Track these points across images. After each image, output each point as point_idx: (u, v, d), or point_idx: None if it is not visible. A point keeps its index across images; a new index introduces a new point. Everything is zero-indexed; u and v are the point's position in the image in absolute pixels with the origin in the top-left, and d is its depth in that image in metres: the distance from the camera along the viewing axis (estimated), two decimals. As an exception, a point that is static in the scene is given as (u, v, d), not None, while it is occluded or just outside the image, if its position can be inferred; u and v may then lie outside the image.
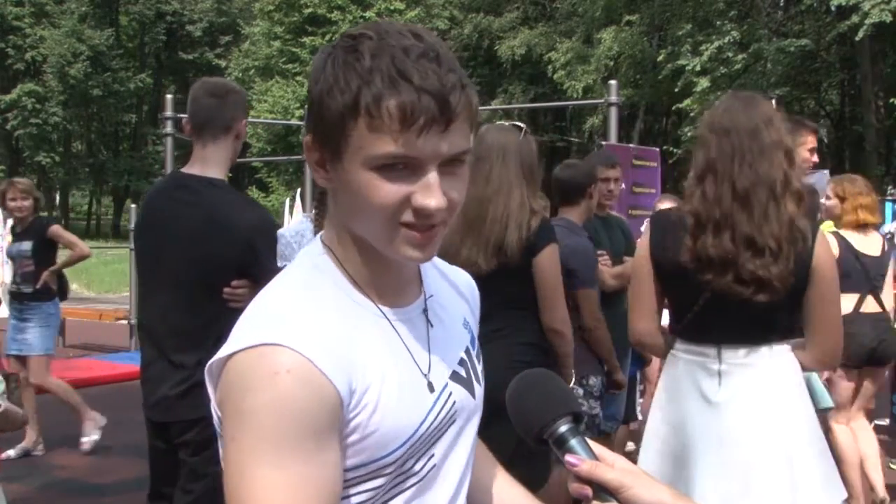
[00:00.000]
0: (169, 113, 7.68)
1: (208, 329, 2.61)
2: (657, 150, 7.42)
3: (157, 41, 41.39)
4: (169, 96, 8.11)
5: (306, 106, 1.03)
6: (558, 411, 0.94)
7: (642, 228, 4.48)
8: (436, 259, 1.20)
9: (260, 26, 30.44)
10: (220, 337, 3.21)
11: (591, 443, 0.93)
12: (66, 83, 35.38)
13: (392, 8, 28.35)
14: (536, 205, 2.93)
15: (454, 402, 1.08)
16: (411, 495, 1.05)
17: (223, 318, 2.72)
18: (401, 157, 0.93)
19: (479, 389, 1.16)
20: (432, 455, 1.06)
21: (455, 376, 1.11)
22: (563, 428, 0.93)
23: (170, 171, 7.77)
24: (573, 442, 0.92)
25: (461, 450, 1.12)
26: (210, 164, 2.68)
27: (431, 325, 1.11)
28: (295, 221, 2.84)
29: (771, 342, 2.26)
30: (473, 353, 1.18)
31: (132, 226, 7.02)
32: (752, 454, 2.21)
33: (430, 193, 0.94)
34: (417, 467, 1.04)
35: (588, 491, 0.90)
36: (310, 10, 28.09)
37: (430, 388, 1.05)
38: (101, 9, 39.24)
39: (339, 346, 0.95)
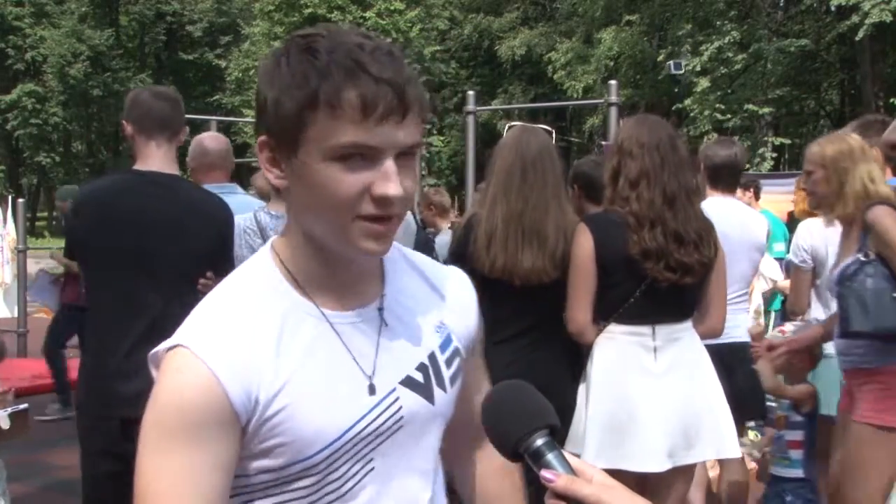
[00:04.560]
0: (169, 113, 7.67)
1: (183, 320, 2.66)
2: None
3: (157, 41, 41.37)
4: (169, 96, 8.08)
5: (255, 108, 1.05)
6: (534, 424, 0.91)
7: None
8: (419, 258, 1.21)
9: (260, 26, 30.40)
10: None
11: (569, 456, 0.90)
12: (66, 83, 35.36)
13: (392, 8, 28.32)
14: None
15: (400, 408, 1.06)
16: (351, 500, 1.04)
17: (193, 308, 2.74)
18: (361, 146, 0.96)
19: (445, 395, 1.12)
20: (370, 460, 1.05)
21: (408, 381, 1.08)
22: (540, 441, 0.90)
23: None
24: (549, 456, 0.89)
25: (415, 458, 1.10)
26: (168, 162, 2.75)
27: (386, 325, 1.09)
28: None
29: (689, 317, 2.72)
30: (443, 357, 1.13)
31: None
32: (690, 413, 2.62)
33: (389, 181, 0.97)
34: (352, 471, 1.04)
35: None
36: (310, 10, 28.06)
37: (372, 390, 1.05)
38: (101, 9, 39.20)
39: (244, 352, 0.99)
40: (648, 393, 2.61)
